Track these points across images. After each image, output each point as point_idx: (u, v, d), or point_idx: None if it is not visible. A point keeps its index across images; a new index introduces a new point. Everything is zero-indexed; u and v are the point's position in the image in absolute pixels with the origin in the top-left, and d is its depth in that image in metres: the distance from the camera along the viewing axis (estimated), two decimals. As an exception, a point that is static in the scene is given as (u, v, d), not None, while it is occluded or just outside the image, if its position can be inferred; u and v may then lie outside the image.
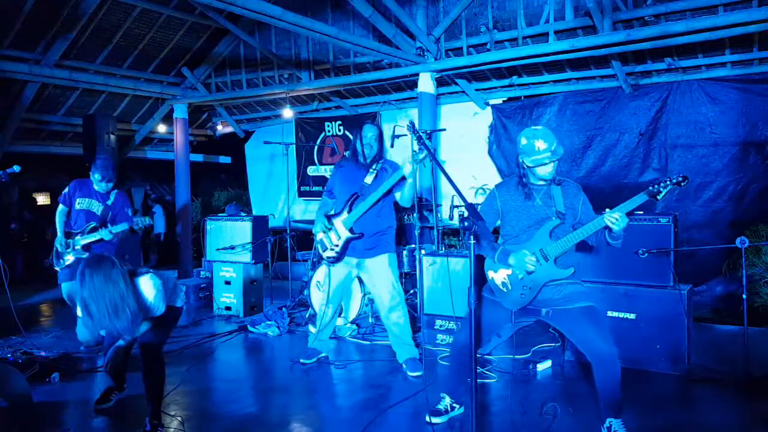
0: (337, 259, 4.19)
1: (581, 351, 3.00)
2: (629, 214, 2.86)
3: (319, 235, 4.23)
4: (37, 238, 10.08)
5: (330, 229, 4.15)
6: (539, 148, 2.90)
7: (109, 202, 4.84)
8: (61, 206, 4.85)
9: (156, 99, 9.47)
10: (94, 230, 4.75)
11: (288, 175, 7.55)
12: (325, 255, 4.24)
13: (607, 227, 2.86)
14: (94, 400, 3.60)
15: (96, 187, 4.82)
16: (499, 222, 3.13)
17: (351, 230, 4.09)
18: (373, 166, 4.16)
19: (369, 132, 4.17)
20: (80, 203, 4.81)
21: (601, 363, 2.86)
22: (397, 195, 4.10)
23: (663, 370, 3.96)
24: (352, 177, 4.19)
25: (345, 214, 4.11)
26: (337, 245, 4.15)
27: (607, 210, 2.86)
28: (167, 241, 10.95)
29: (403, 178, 3.93)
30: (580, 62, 6.77)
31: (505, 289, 3.05)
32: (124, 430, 3.45)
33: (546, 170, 2.95)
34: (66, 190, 4.87)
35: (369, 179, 4.12)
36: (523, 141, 2.96)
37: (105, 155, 4.88)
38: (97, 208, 4.81)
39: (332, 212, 4.26)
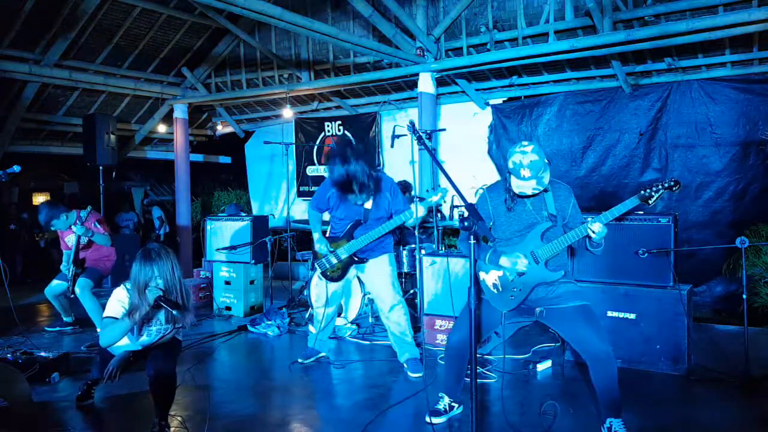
0: (338, 278, 4.22)
1: (576, 350, 3.00)
2: (621, 217, 2.86)
3: (319, 253, 4.22)
4: (36, 239, 10.07)
5: (331, 252, 4.15)
6: (524, 175, 2.83)
7: (81, 222, 5.24)
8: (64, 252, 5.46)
9: (156, 99, 9.47)
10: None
11: (288, 175, 7.55)
12: (325, 275, 4.23)
13: (588, 236, 2.89)
14: (75, 396, 3.62)
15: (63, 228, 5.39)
16: (491, 224, 3.12)
17: (355, 255, 4.12)
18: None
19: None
20: (68, 240, 5.37)
21: (596, 361, 2.86)
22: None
23: (663, 370, 3.96)
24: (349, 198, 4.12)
25: (346, 241, 4.11)
26: (339, 268, 4.18)
27: (589, 219, 2.88)
28: (167, 241, 10.95)
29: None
30: (580, 62, 6.77)
31: (495, 291, 3.06)
32: (124, 429, 3.45)
33: (529, 194, 2.94)
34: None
35: (369, 203, 4.10)
36: (510, 165, 2.89)
37: (44, 204, 5.35)
38: (75, 238, 5.28)
39: (330, 231, 4.27)
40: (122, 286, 3.36)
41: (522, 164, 2.83)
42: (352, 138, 8.93)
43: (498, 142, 7.75)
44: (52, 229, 5.32)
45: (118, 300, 3.32)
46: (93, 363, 3.79)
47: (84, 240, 5.23)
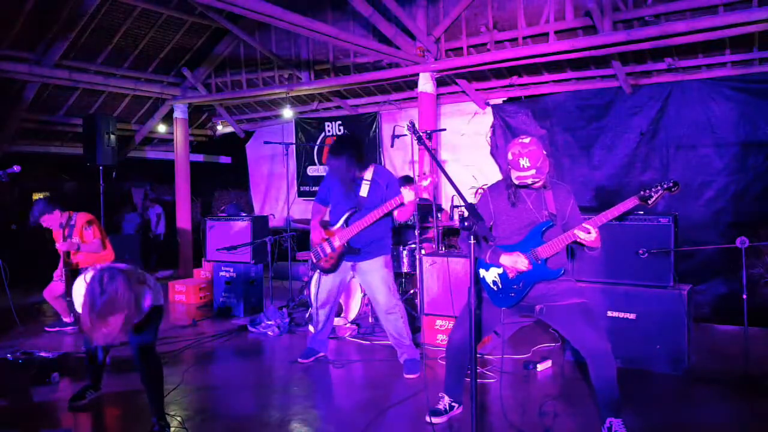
0: (332, 270, 4.21)
1: (575, 348, 3.01)
2: (621, 217, 2.88)
3: (313, 241, 4.22)
4: (36, 239, 10.07)
5: (326, 240, 4.16)
6: (524, 166, 2.89)
7: (70, 234, 5.24)
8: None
9: (156, 99, 9.47)
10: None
11: (288, 175, 7.55)
12: (319, 265, 4.24)
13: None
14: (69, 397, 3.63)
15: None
16: (491, 223, 3.13)
17: (348, 244, 4.10)
18: (366, 176, 4.12)
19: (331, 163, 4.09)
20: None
21: (595, 358, 2.88)
22: (396, 212, 4.09)
23: (663, 370, 3.96)
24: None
25: (341, 229, 4.10)
26: (332, 257, 4.16)
27: (579, 226, 2.91)
28: (167, 241, 10.95)
29: (402, 203, 3.87)
30: (580, 62, 6.77)
31: (495, 288, 3.07)
32: (124, 430, 3.45)
33: (529, 184, 2.96)
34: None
35: (364, 191, 4.09)
36: (510, 156, 2.95)
37: (39, 200, 5.31)
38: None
39: (328, 222, 4.27)
40: (90, 269, 3.08)
41: (521, 154, 2.89)
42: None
43: (500, 142, 7.75)
44: (44, 225, 5.25)
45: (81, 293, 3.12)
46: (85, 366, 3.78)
47: (74, 247, 5.21)
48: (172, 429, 3.20)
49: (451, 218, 6.93)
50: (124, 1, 7.23)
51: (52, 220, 5.21)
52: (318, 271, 4.35)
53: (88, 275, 2.97)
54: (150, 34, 8.08)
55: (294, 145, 9.17)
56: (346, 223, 4.09)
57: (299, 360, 4.43)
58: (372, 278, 4.17)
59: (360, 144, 4.14)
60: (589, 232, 2.86)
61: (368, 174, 4.12)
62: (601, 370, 2.87)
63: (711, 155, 6.34)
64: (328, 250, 4.15)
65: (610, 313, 4.13)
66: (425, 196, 3.92)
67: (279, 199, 10.06)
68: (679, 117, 6.50)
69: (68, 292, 5.24)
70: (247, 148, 10.67)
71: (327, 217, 4.34)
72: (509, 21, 6.61)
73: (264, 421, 3.38)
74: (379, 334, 5.14)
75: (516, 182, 2.98)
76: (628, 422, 2.93)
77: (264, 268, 6.50)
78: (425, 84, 6.75)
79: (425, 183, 3.73)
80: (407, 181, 6.18)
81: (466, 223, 2.48)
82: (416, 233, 5.16)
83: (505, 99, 7.83)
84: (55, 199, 5.38)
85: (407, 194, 3.79)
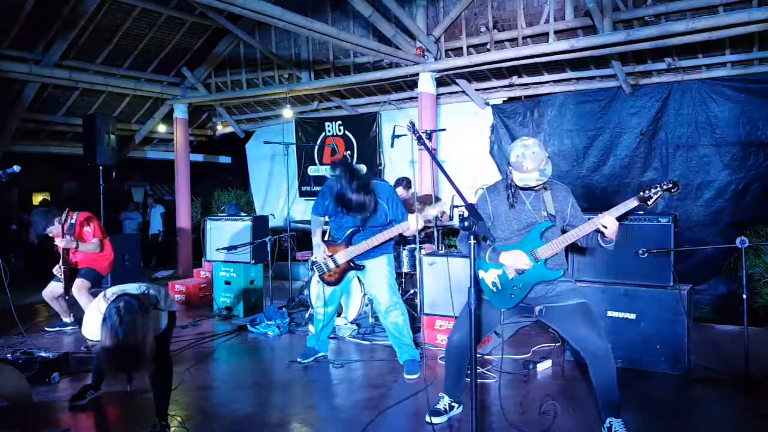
0: (335, 283, 4.24)
1: (575, 348, 3.01)
2: (621, 218, 2.87)
3: (317, 258, 4.23)
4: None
5: (330, 257, 4.17)
6: (527, 168, 2.87)
7: (69, 232, 5.21)
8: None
9: (156, 99, 9.47)
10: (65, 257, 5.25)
11: (288, 175, 7.55)
12: (323, 278, 4.26)
13: (599, 231, 2.90)
14: (70, 397, 3.64)
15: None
16: (490, 224, 3.13)
17: (352, 261, 4.14)
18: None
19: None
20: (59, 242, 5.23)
21: (595, 358, 2.88)
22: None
23: (663, 370, 3.96)
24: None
25: (344, 247, 4.12)
26: (336, 272, 4.19)
27: (599, 215, 2.89)
28: (167, 241, 10.96)
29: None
30: (580, 62, 6.77)
31: (495, 289, 3.07)
32: (124, 429, 3.45)
33: (533, 186, 2.96)
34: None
35: None
36: (512, 157, 2.93)
37: (36, 213, 5.28)
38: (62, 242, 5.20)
39: (330, 236, 4.29)
40: (101, 296, 3.02)
41: (525, 156, 2.87)
42: (354, 139, 8.93)
43: (499, 142, 7.76)
44: (51, 235, 5.22)
45: (96, 325, 2.90)
46: (92, 365, 3.80)
47: (73, 244, 5.21)
48: (172, 429, 3.20)
49: (451, 218, 6.92)
50: (124, 1, 7.23)
51: (56, 228, 5.20)
52: (317, 271, 4.35)
53: (101, 304, 2.89)
54: (150, 34, 8.08)
55: (294, 145, 9.17)
56: (350, 241, 4.11)
57: (299, 360, 4.43)
58: (374, 276, 4.19)
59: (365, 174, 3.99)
60: (609, 225, 2.84)
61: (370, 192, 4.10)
62: (601, 369, 2.87)
63: (711, 155, 6.35)
64: (332, 266, 4.18)
65: (610, 313, 4.13)
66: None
67: (279, 199, 10.06)
68: (679, 117, 6.51)
69: (67, 292, 5.24)
70: (247, 148, 10.67)
71: (330, 235, 4.36)
72: (509, 21, 6.61)
73: (264, 421, 3.38)
74: (379, 334, 5.14)
75: (518, 184, 2.96)
76: (628, 422, 2.94)
77: (264, 268, 6.50)
78: (425, 84, 6.75)
79: (433, 212, 3.73)
80: (408, 184, 6.18)
81: (466, 223, 2.48)
82: (416, 235, 5.15)
83: (505, 99, 7.83)
84: (51, 208, 5.37)
85: (413, 222, 3.81)
